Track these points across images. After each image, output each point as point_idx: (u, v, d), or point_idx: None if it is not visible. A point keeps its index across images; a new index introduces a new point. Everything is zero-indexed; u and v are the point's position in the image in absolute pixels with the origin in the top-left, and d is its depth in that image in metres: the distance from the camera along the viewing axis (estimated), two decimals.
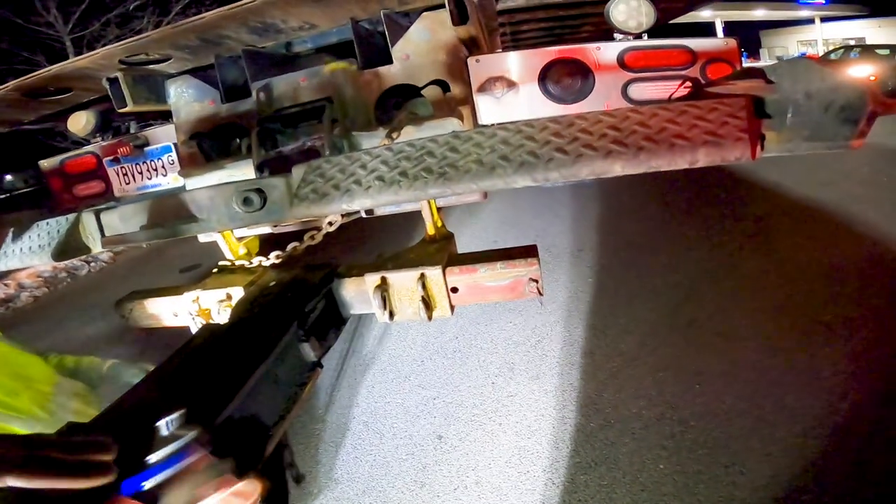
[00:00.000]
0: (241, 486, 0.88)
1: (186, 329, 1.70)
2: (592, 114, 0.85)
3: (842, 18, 27.63)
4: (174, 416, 0.86)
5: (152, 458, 0.84)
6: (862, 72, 12.22)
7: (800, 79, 0.82)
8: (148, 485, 0.87)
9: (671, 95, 1.66)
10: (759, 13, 27.06)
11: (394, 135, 1.57)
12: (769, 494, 2.02)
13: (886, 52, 13.89)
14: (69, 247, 1.49)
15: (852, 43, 20.40)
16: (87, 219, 1.36)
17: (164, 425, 0.85)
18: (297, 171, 1.01)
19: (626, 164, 0.76)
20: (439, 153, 0.87)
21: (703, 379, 2.68)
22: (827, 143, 0.80)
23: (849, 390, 2.45)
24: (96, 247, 1.42)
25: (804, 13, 27.92)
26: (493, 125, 0.91)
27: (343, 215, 1.71)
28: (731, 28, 25.91)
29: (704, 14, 23.37)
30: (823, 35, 27.54)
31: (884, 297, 3.17)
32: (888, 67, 12.96)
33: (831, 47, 21.04)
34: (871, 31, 25.40)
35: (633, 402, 2.61)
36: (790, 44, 30.42)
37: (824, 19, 27.86)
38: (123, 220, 1.20)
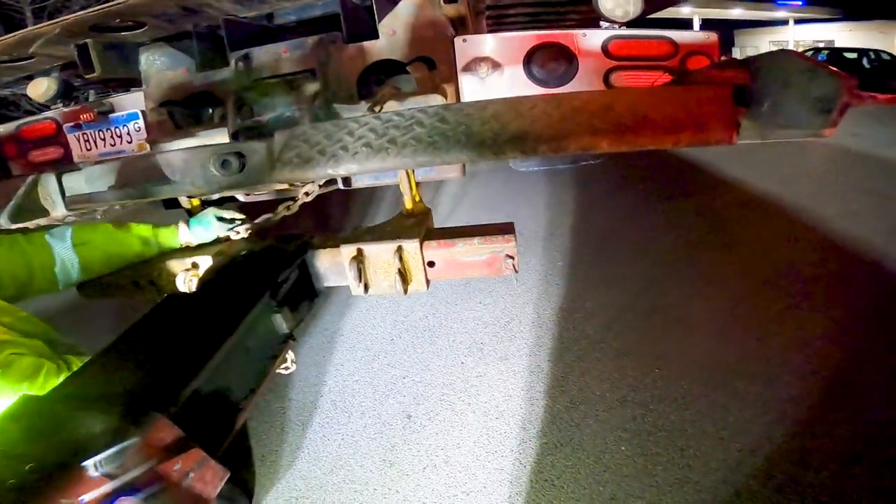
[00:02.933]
0: None
1: None
2: (582, 93, 0.86)
3: (815, 21, 28.43)
4: (105, 455, 0.77)
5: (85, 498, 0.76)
6: None
7: (779, 70, 0.85)
8: None
9: (656, 82, 1.69)
10: (737, 12, 27.61)
11: (376, 109, 1.55)
12: (720, 477, 2.12)
13: (853, 55, 14.45)
14: (26, 209, 1.42)
15: (821, 45, 21.10)
16: (47, 180, 1.30)
17: (93, 466, 0.75)
18: (280, 136, 0.99)
19: (613, 142, 0.78)
20: (429, 123, 0.87)
21: (662, 364, 2.77)
22: (801, 131, 0.84)
23: (796, 378, 2.58)
24: (56, 209, 1.37)
25: (780, 14, 28.60)
26: (483, 100, 0.91)
27: (320, 185, 1.69)
28: (707, 25, 26.37)
29: (684, 10, 23.68)
30: (795, 37, 28.27)
31: (833, 290, 3.34)
32: (854, 71, 13.50)
33: (801, 49, 21.74)
34: (842, 34, 26.20)
35: (598, 384, 2.68)
36: (762, 44, 31.15)
37: (798, 21, 28.62)
38: (89, 182, 1.15)
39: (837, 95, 0.77)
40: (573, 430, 2.43)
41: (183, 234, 1.71)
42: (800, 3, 27.89)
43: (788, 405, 2.42)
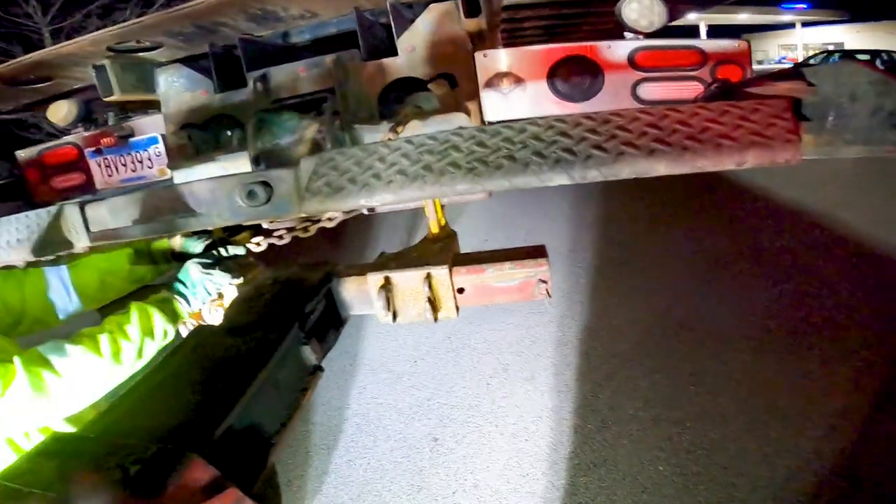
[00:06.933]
0: None
1: None
2: (628, 111, 0.81)
3: (822, 23, 28.20)
4: None
5: None
6: None
7: (844, 81, 0.79)
8: None
9: (697, 96, 1.63)
10: (743, 17, 27.47)
11: (398, 129, 1.51)
12: (767, 495, 2.04)
13: (866, 57, 14.26)
14: (50, 241, 1.40)
15: (832, 48, 20.87)
16: (70, 211, 1.27)
17: None
18: (307, 164, 0.94)
19: (671, 164, 0.72)
20: (465, 147, 0.82)
21: (696, 380, 2.69)
22: (871, 147, 0.78)
23: (838, 391, 2.48)
24: (80, 242, 1.34)
25: (786, 17, 28.43)
26: (521, 120, 0.86)
27: (345, 211, 1.64)
28: (714, 32, 26.28)
29: (690, 17, 23.60)
30: (804, 40, 28.05)
31: (870, 300, 3.21)
32: None
33: (811, 52, 21.49)
34: (850, 36, 25.94)
35: (630, 403, 2.60)
36: (771, 48, 30.98)
37: (805, 24, 28.40)
38: (113, 214, 1.12)
39: None
40: (606, 451, 2.35)
41: (175, 240, 1.64)
42: (805, 5, 27.68)
43: (834, 420, 2.32)
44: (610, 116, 0.80)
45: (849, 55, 15.28)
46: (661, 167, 0.72)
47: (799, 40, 28.21)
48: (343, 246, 5.07)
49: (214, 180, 1.03)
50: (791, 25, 29.01)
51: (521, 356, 3.12)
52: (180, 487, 0.83)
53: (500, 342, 3.30)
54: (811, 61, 16.14)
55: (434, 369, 3.16)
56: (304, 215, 1.45)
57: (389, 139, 1.44)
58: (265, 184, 0.98)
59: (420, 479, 2.38)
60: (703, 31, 25.96)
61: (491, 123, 1.80)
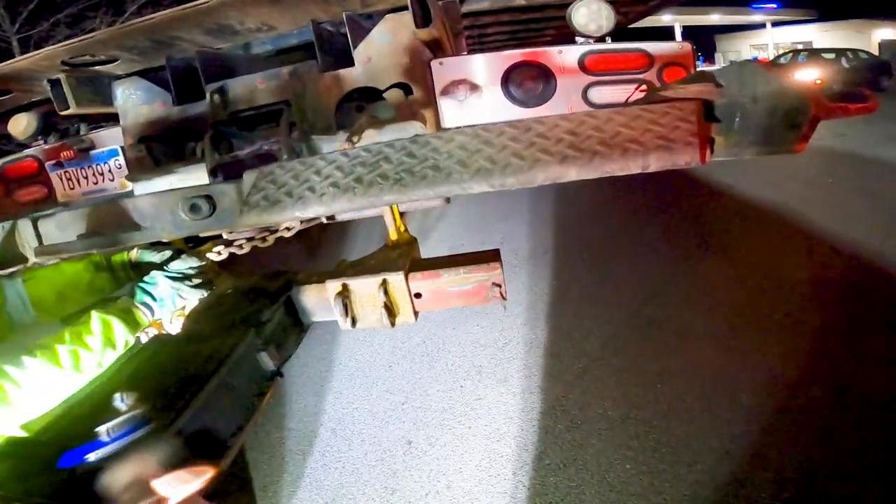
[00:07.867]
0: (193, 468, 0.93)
1: None
2: (550, 118, 0.84)
3: (791, 23, 28.91)
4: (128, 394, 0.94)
5: (101, 428, 0.89)
6: (808, 75, 12.79)
7: (746, 83, 0.83)
8: (92, 457, 0.85)
9: (627, 99, 1.68)
10: (715, 17, 28.06)
11: (354, 139, 1.53)
12: (731, 492, 2.07)
13: (832, 55, 14.61)
14: (6, 257, 1.40)
15: (800, 47, 21.36)
16: (24, 226, 1.28)
17: (119, 398, 0.93)
18: (249, 177, 0.96)
19: (581, 170, 0.75)
20: (395, 159, 0.85)
21: (663, 378, 2.73)
22: (771, 148, 0.81)
23: (800, 387, 2.54)
24: (34, 256, 1.34)
25: (757, 17, 29.10)
26: (451, 129, 0.89)
27: (302, 221, 1.66)
28: (688, 32, 26.78)
29: (665, 18, 24.01)
30: (774, 39, 28.71)
31: (829, 295, 3.30)
32: (833, 71, 13.62)
33: (781, 51, 21.98)
34: (818, 35, 26.64)
35: (599, 402, 2.64)
36: (743, 48, 31.68)
37: (775, 24, 29.09)
38: (60, 229, 1.13)
39: (806, 110, 0.75)
40: (576, 451, 2.38)
41: (133, 251, 1.64)
42: (775, 5, 28.37)
43: (794, 415, 2.38)
44: (532, 124, 0.84)
45: (814, 53, 15.62)
46: (572, 173, 0.75)
47: (770, 39, 28.82)
48: (322, 253, 5.09)
49: (158, 195, 1.05)
50: (762, 25, 29.67)
51: (493, 359, 3.15)
52: (128, 486, 0.88)
53: (473, 345, 3.33)
54: (780, 60, 16.49)
55: (409, 373, 3.17)
56: (248, 227, 1.47)
57: (345, 149, 1.47)
58: (208, 198, 1.00)
59: (394, 482, 2.40)
60: (677, 31, 26.44)
61: (447, 130, 1.84)
